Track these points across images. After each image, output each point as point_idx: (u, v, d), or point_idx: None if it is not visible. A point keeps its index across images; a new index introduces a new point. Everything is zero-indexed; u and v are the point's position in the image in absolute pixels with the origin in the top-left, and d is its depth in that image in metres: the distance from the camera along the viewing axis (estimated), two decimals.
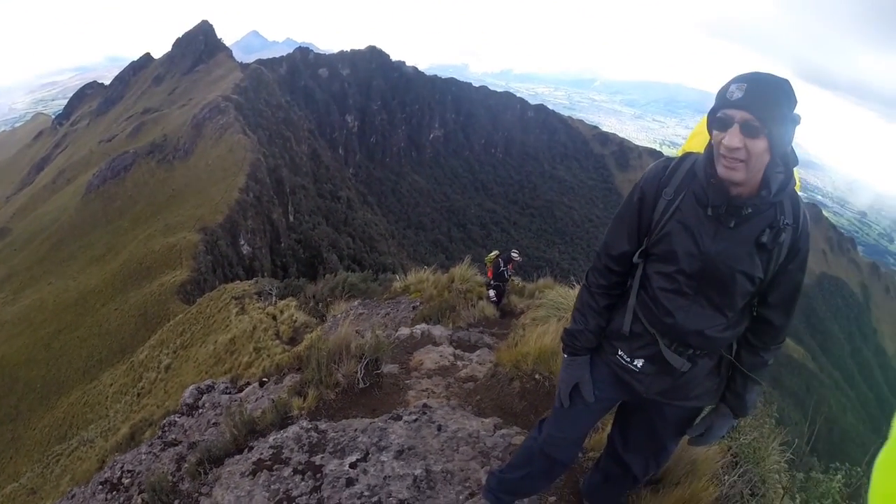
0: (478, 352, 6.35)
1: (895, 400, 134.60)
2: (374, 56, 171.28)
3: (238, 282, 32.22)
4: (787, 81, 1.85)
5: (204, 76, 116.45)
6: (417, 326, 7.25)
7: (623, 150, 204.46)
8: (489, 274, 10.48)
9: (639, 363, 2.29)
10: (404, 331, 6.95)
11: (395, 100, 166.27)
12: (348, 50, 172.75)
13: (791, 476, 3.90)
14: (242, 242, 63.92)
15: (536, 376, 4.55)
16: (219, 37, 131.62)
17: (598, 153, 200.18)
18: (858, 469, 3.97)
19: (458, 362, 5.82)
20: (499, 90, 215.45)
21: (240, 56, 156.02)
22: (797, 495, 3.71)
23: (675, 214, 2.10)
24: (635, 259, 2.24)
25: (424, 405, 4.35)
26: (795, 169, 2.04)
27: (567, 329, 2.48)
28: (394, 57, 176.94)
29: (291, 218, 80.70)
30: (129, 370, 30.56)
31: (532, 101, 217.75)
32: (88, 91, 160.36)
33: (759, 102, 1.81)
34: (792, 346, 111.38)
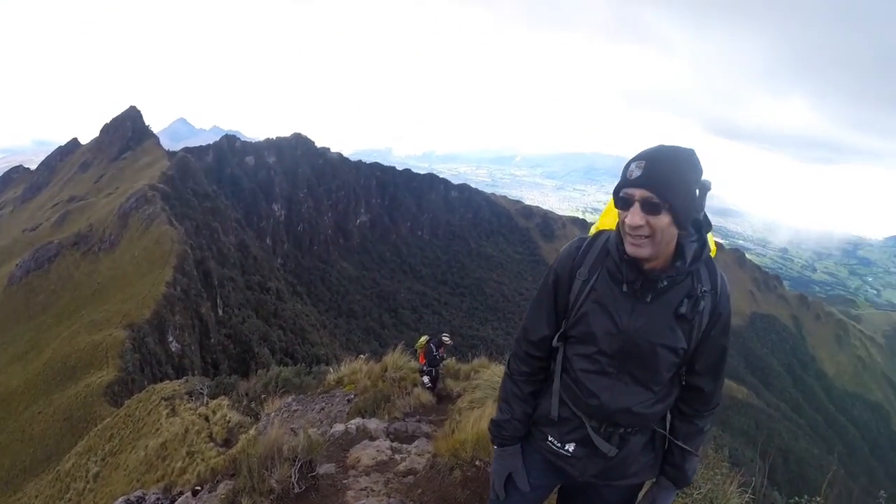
0: (416, 442, 6.24)
1: (841, 416, 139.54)
2: (299, 143, 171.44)
3: (167, 381, 30.78)
4: (690, 152, 1.88)
5: (131, 163, 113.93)
6: (352, 421, 7.09)
7: (547, 222, 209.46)
8: (421, 360, 10.35)
9: (570, 447, 2.23)
10: (339, 427, 6.78)
11: (322, 187, 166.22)
12: (274, 137, 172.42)
13: None
14: (171, 339, 61.26)
15: (477, 463, 4.50)
16: (147, 123, 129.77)
17: (522, 227, 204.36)
18: (818, 499, 4.01)
19: (397, 455, 5.70)
20: (422, 172, 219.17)
21: (167, 143, 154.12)
22: None
23: (590, 294, 2.08)
24: (555, 343, 2.20)
25: None
26: (710, 234, 2.07)
27: (493, 420, 2.43)
28: (319, 143, 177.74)
29: (220, 312, 78.32)
30: (55, 480, 28.37)
31: (455, 181, 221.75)
32: (14, 175, 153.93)
33: (658, 179, 1.83)
34: (735, 386, 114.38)
